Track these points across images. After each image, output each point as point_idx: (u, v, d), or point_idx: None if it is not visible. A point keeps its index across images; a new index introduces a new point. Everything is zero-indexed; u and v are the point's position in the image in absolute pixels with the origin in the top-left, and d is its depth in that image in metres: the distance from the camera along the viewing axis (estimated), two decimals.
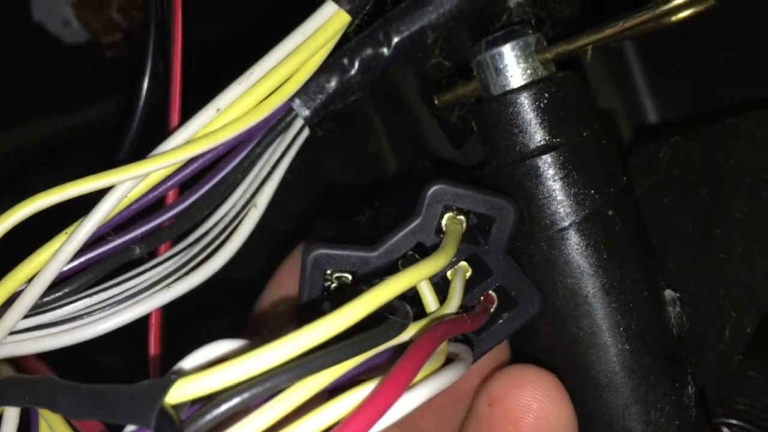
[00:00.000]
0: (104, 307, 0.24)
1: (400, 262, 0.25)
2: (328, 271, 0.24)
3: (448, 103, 0.29)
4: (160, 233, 0.25)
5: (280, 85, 0.24)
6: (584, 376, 0.25)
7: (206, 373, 0.15)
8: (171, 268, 0.26)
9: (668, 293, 0.26)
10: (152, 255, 0.26)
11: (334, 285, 0.25)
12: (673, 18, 0.24)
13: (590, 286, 0.24)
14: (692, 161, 0.28)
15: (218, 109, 0.23)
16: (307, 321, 0.24)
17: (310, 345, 0.16)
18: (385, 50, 0.26)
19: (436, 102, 0.29)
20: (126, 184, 0.22)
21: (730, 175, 0.27)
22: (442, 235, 0.24)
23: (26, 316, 0.22)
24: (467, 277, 0.25)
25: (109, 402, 0.15)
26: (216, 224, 0.27)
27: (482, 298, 0.25)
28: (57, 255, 0.22)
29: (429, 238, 0.24)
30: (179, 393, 0.15)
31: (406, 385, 0.17)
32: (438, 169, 0.30)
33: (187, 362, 0.17)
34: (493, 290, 0.25)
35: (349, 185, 0.47)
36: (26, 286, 0.22)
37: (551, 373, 0.25)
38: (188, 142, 0.23)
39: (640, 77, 0.38)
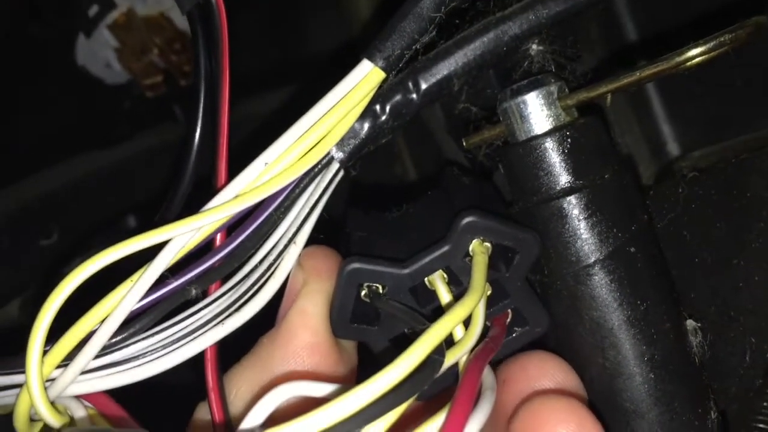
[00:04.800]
0: (165, 345, 0.26)
1: (427, 279, 0.27)
2: (361, 283, 0.27)
3: (475, 145, 0.31)
4: (212, 273, 0.27)
5: (321, 138, 0.26)
6: (611, 403, 0.26)
7: (290, 425, 0.18)
8: (222, 306, 0.27)
9: (690, 323, 0.27)
10: (204, 294, 0.28)
11: (364, 292, 0.27)
12: (689, 64, 0.26)
13: (615, 318, 0.26)
14: (710, 196, 0.29)
15: (266, 163, 0.25)
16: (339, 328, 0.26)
17: (377, 395, 0.19)
18: (414, 97, 0.28)
19: (464, 144, 0.31)
20: (184, 236, 0.24)
21: (747, 208, 0.29)
22: (468, 259, 0.26)
23: (96, 356, 0.24)
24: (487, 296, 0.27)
25: None
26: (261, 262, 0.28)
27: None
28: (124, 300, 0.24)
29: (456, 262, 0.26)
30: None
31: (467, 419, 0.20)
32: (465, 176, 0.32)
33: (263, 404, 0.20)
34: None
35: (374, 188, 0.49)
36: (97, 328, 0.24)
37: (574, 403, 0.24)
38: (239, 195, 0.25)
39: (659, 106, 0.40)
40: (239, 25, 0.30)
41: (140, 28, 0.48)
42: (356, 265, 0.26)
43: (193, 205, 0.28)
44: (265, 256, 0.28)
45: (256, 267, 0.28)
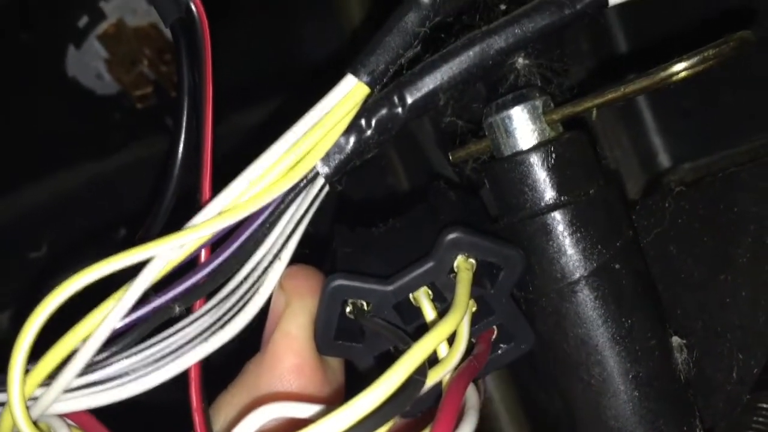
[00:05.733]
0: (149, 363, 0.25)
1: (412, 295, 0.27)
2: (345, 299, 0.27)
3: (461, 159, 0.31)
4: (196, 290, 0.27)
5: (306, 154, 0.26)
6: (596, 421, 0.26)
7: None
8: (207, 323, 0.27)
9: (675, 340, 0.27)
10: (188, 311, 0.27)
11: (348, 309, 0.27)
12: (674, 78, 0.26)
13: (600, 336, 0.26)
14: (697, 210, 0.29)
15: (250, 179, 0.25)
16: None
17: (359, 416, 0.19)
18: (399, 111, 0.27)
19: (450, 158, 0.31)
20: (166, 254, 0.24)
21: (734, 223, 0.29)
22: (452, 275, 0.26)
23: (80, 375, 0.24)
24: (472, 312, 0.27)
25: None
26: (245, 278, 0.28)
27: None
28: (107, 318, 0.24)
29: (441, 278, 0.26)
30: None
31: None
32: (451, 191, 0.32)
33: (245, 424, 0.19)
34: None
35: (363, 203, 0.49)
36: (80, 347, 0.24)
37: None
38: (222, 212, 0.25)
39: (649, 118, 0.40)
40: (229, 35, 0.30)
41: (130, 38, 0.48)
42: (340, 281, 0.26)
43: (179, 220, 0.28)
44: (250, 272, 0.28)
45: (240, 283, 0.28)
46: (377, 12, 0.50)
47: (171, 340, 0.26)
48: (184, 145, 0.28)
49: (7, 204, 0.48)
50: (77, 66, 0.49)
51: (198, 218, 0.25)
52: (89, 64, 0.49)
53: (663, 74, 0.25)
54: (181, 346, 0.26)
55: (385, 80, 0.27)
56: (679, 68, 0.25)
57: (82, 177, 0.50)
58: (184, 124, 0.27)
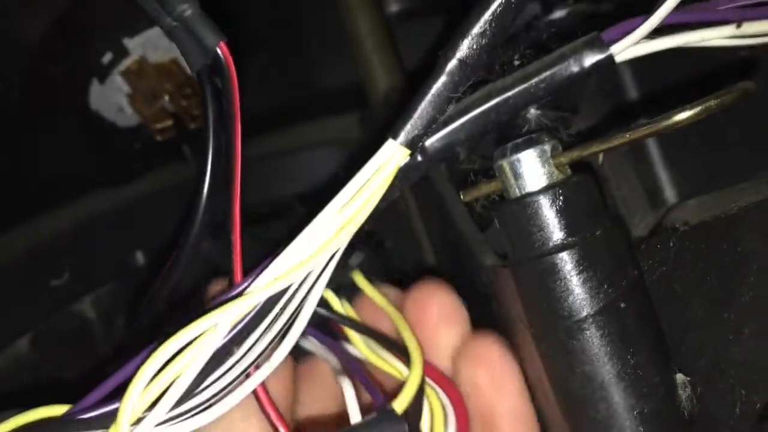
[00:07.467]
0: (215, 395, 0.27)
1: None
2: None
3: (473, 199, 0.32)
4: (246, 330, 0.27)
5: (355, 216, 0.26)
6: None
7: None
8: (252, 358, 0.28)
9: (679, 377, 0.28)
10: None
11: None
12: (678, 126, 0.27)
13: (605, 372, 0.27)
14: (701, 250, 0.30)
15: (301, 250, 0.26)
16: None
17: None
18: (420, 160, 0.28)
19: (462, 198, 0.32)
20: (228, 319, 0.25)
21: (737, 262, 0.30)
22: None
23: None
24: None
25: None
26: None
27: None
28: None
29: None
30: None
31: None
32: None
33: None
34: None
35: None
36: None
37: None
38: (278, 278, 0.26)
39: (656, 154, 0.41)
40: (244, 67, 0.31)
41: (151, 74, 0.49)
42: None
43: None
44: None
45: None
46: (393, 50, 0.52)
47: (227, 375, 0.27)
48: (209, 189, 0.28)
49: (30, 231, 0.49)
50: (100, 100, 0.50)
51: (258, 283, 0.26)
52: (112, 99, 0.50)
53: (666, 123, 0.26)
54: (234, 379, 0.27)
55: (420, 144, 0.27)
56: (683, 117, 0.26)
57: (102, 206, 0.51)
58: (208, 170, 0.28)
